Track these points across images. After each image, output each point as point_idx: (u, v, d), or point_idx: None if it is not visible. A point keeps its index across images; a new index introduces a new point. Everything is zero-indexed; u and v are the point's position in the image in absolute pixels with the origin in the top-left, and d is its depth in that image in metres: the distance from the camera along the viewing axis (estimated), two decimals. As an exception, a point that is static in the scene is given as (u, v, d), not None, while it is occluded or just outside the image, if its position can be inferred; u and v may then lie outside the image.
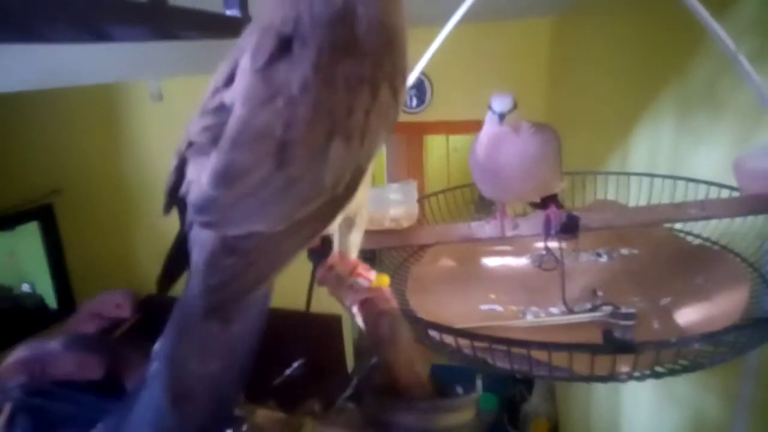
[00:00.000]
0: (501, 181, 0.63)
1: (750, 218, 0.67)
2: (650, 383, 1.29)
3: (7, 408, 0.39)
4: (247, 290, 0.35)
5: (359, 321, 0.48)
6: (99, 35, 0.74)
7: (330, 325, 3.44)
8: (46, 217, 3.46)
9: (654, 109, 1.36)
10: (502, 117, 0.59)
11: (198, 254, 0.36)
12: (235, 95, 0.37)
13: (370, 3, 0.38)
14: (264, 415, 0.39)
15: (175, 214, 0.42)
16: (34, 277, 3.60)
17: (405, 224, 0.66)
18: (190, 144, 0.38)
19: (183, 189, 0.38)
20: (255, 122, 0.35)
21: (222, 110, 0.37)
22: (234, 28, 0.76)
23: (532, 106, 2.76)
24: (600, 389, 1.80)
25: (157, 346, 0.34)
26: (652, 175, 0.85)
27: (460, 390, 0.41)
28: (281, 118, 0.35)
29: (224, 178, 0.35)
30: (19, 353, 0.41)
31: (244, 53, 0.38)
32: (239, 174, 0.35)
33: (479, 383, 3.41)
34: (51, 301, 3.62)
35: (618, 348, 0.41)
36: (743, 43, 0.91)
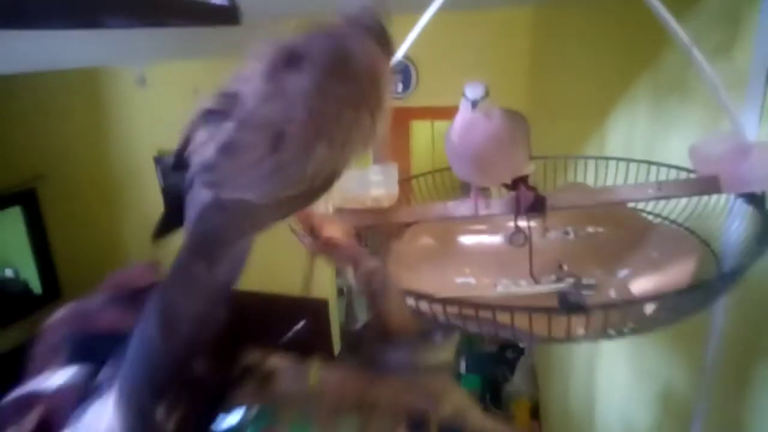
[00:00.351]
0: (474, 163, 0.68)
1: (707, 199, 0.73)
2: (624, 363, 1.36)
3: (59, 358, 0.44)
4: (228, 241, 0.42)
5: (351, 278, 0.54)
6: (91, 22, 0.77)
7: (318, 309, 3.50)
8: (29, 202, 3.44)
9: (630, 98, 1.41)
10: (474, 104, 0.64)
11: (193, 207, 0.43)
12: (248, 88, 0.45)
13: (366, 52, 0.50)
14: (275, 360, 0.45)
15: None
16: (17, 262, 3.59)
17: (386, 204, 0.70)
18: (203, 114, 0.46)
19: (190, 149, 0.46)
20: (260, 113, 0.44)
21: (235, 97, 0.45)
22: (221, 16, 0.79)
23: (513, 92, 2.81)
24: (578, 369, 1.87)
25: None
26: (628, 160, 0.90)
27: (439, 337, 0.48)
28: (281, 114, 0.44)
29: (228, 150, 0.42)
30: (64, 310, 0.46)
31: (263, 58, 0.47)
32: (240, 150, 0.42)
33: (462, 364, 3.51)
34: (36, 286, 3.62)
35: (571, 309, 0.46)
36: (708, 36, 0.97)
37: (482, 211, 0.71)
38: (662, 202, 0.78)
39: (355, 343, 0.51)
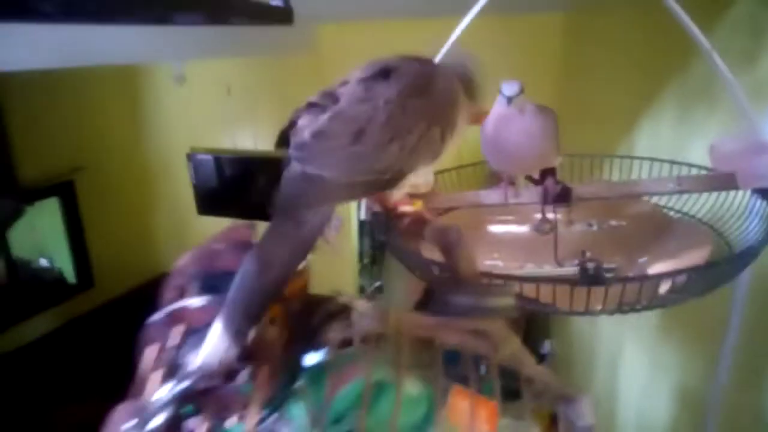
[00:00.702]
0: (506, 153, 0.74)
1: (729, 198, 0.77)
2: (643, 359, 1.39)
3: (193, 287, 0.54)
4: (310, 206, 0.52)
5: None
6: (161, 18, 0.85)
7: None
8: (66, 193, 3.55)
9: (657, 103, 1.45)
10: (510, 100, 0.71)
11: (287, 177, 0.53)
12: (345, 90, 0.57)
13: (449, 81, 0.62)
14: (360, 302, 0.54)
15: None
16: (53, 251, 3.71)
17: (422, 190, 0.77)
18: (308, 106, 0.57)
19: (293, 131, 0.56)
20: (349, 110, 0.55)
21: (333, 95, 0.57)
22: (277, 16, 0.87)
23: (543, 95, 2.82)
24: (599, 368, 1.90)
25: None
26: (652, 159, 0.95)
27: (500, 285, 0.58)
28: (366, 114, 0.54)
29: (319, 135, 0.53)
30: (191, 253, 0.56)
31: (365, 69, 0.59)
32: (329, 136, 0.53)
33: (483, 369, 3.52)
34: (70, 275, 3.74)
35: (591, 281, 0.52)
36: (732, 42, 1.01)
37: (512, 199, 0.77)
38: (684, 199, 0.82)
39: (427, 295, 0.60)
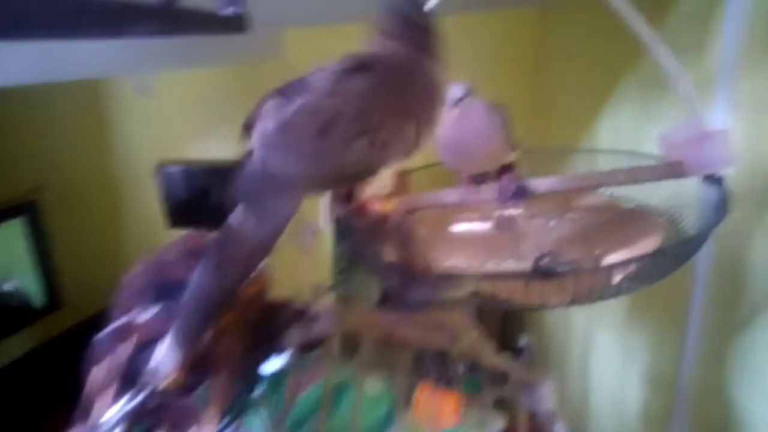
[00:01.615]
0: (459, 153, 0.75)
1: (680, 183, 0.80)
2: (614, 347, 1.42)
3: (144, 300, 0.52)
4: (268, 202, 0.51)
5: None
6: (109, 32, 0.84)
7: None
8: (30, 213, 3.47)
9: (618, 95, 1.48)
10: (457, 101, 0.72)
11: (248, 172, 0.51)
12: (315, 79, 0.55)
13: (431, 72, 0.59)
14: (319, 304, 0.53)
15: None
16: (18, 274, 3.61)
17: (385, 190, 0.78)
18: (276, 92, 0.55)
19: (256, 113, 0.54)
20: (316, 104, 0.52)
21: (304, 83, 0.54)
22: (231, 25, 0.86)
23: (516, 91, 2.86)
24: (573, 357, 1.93)
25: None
26: (614, 152, 0.97)
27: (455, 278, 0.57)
28: (334, 108, 0.52)
29: (283, 127, 0.51)
30: (144, 262, 0.54)
31: (341, 62, 0.56)
32: (293, 129, 0.51)
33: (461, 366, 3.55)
34: (38, 297, 3.64)
35: (543, 273, 0.53)
36: (681, 35, 1.04)
37: (470, 198, 0.78)
38: (638, 189, 0.85)
39: (385, 288, 0.60)
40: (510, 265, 0.76)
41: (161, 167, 3.58)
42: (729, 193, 0.70)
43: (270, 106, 0.54)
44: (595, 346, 1.65)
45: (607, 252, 0.73)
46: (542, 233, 0.85)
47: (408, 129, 0.57)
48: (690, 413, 1.02)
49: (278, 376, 0.51)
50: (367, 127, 0.53)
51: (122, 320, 0.50)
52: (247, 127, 0.56)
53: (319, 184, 0.55)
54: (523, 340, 3.07)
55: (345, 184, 0.58)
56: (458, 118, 0.72)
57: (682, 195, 0.81)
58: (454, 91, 0.72)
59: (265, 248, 0.51)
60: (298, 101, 0.53)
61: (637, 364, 1.28)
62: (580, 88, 1.93)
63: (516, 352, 3.14)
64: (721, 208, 0.63)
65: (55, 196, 3.58)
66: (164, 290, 0.52)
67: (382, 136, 0.54)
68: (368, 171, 0.56)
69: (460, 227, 0.91)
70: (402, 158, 0.59)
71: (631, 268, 0.56)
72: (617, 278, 0.60)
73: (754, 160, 0.79)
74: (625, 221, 0.82)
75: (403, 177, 0.88)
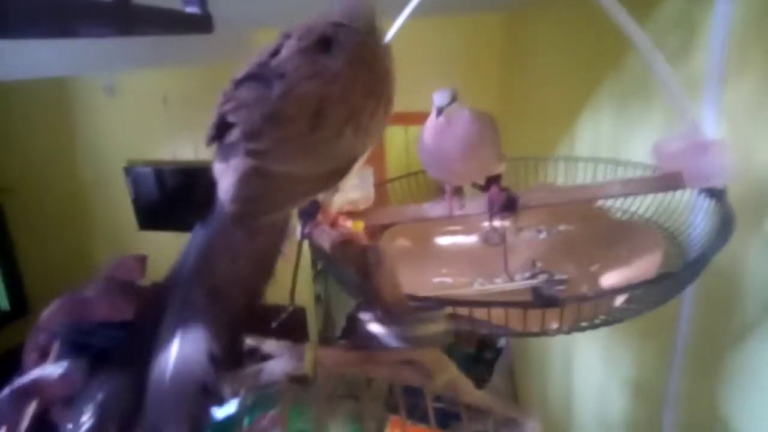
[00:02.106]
0: (446, 164, 0.70)
1: (675, 195, 0.76)
2: (597, 354, 1.39)
3: (55, 347, 0.44)
4: (267, 209, 0.43)
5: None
6: (64, 31, 0.77)
7: (295, 317, 3.49)
8: (-6, 216, 3.36)
9: (595, 100, 1.45)
10: (440, 110, 0.66)
11: (230, 176, 0.43)
12: (282, 63, 0.46)
13: (385, 50, 0.53)
14: (272, 343, 0.46)
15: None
16: (-19, 279, 3.49)
17: (361, 207, 0.72)
18: (239, 80, 0.46)
19: (228, 106, 0.45)
20: (301, 88, 0.44)
21: (269, 68, 0.45)
22: (194, 24, 0.79)
23: (485, 96, 2.86)
24: (556, 366, 1.91)
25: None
26: (596, 160, 0.93)
27: (430, 312, 0.49)
28: (319, 92, 0.45)
29: (273, 120, 0.43)
30: (58, 302, 0.46)
31: (292, 36, 0.48)
32: (285, 121, 0.43)
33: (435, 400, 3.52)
34: (3, 302, 3.52)
35: (545, 303, 0.48)
36: (665, 38, 1.01)
37: (457, 212, 0.73)
38: (630, 199, 0.81)
39: (351, 322, 0.53)
40: (500, 283, 0.72)
41: (131, 168, 3.48)
42: (730, 206, 0.66)
43: (246, 94, 0.45)
44: (578, 356, 1.62)
45: (603, 270, 0.68)
46: (532, 247, 0.81)
47: (380, 110, 0.50)
48: (677, 425, 0.99)
49: (227, 425, 0.44)
50: (351, 111, 0.47)
51: (26, 378, 0.42)
52: (219, 125, 0.46)
53: (315, 183, 0.47)
54: (501, 340, 3.05)
55: (336, 180, 0.50)
56: (444, 127, 0.67)
57: (669, 203, 0.77)
58: (438, 97, 0.67)
59: (266, 264, 0.43)
60: (279, 87, 0.44)
61: (622, 373, 1.25)
62: (552, 93, 1.91)
63: (495, 351, 3.12)
64: (727, 224, 0.59)
65: (20, 198, 3.46)
66: (82, 336, 0.44)
67: (364, 120, 0.48)
68: (353, 160, 0.50)
69: (444, 240, 0.86)
70: (373, 145, 0.52)
71: (638, 292, 0.52)
72: (620, 300, 0.55)
73: (742, 167, 0.76)
74: (618, 234, 0.77)
75: (383, 187, 0.83)
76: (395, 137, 4.61)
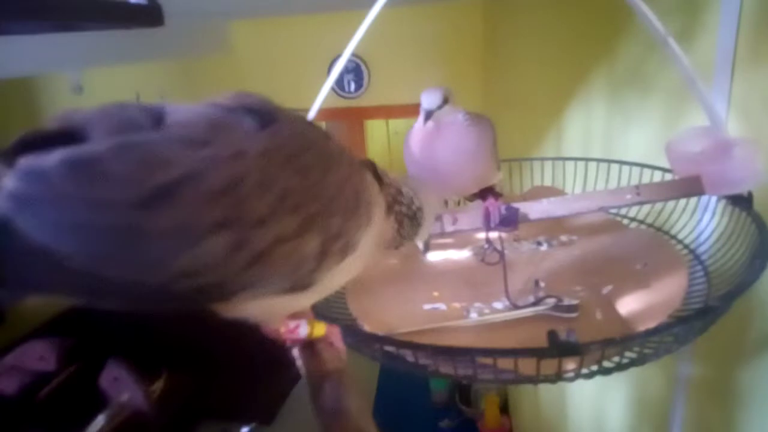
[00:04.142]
0: (438, 176, 0.60)
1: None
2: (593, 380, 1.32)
3: None
4: None
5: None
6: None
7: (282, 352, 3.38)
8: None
9: (585, 93, 1.37)
10: (428, 114, 0.56)
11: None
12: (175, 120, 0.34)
13: (353, 166, 0.40)
14: None
15: None
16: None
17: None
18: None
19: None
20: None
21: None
22: (140, 16, 0.69)
23: (467, 87, 2.78)
24: (550, 387, 1.84)
25: None
26: (586, 159, 0.85)
27: None
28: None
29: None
30: None
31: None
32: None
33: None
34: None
35: (563, 351, 0.39)
36: (669, 24, 0.93)
37: (448, 228, 0.64)
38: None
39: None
40: (500, 308, 0.63)
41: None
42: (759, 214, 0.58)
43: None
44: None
45: (618, 293, 0.60)
46: (533, 262, 0.72)
47: (309, 242, 0.35)
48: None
49: None
50: (234, 217, 0.31)
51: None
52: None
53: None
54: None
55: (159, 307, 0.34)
56: (433, 133, 0.57)
57: (673, 207, 0.70)
58: (426, 98, 0.57)
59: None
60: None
61: (622, 389, 1.17)
62: (537, 84, 1.82)
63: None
64: (764, 243, 0.50)
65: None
66: None
67: (261, 239, 0.32)
68: (218, 292, 0.34)
69: (434, 256, 0.77)
70: (286, 286, 0.36)
71: (672, 332, 0.43)
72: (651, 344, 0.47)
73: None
74: (628, 246, 0.69)
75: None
76: (376, 131, 4.51)
